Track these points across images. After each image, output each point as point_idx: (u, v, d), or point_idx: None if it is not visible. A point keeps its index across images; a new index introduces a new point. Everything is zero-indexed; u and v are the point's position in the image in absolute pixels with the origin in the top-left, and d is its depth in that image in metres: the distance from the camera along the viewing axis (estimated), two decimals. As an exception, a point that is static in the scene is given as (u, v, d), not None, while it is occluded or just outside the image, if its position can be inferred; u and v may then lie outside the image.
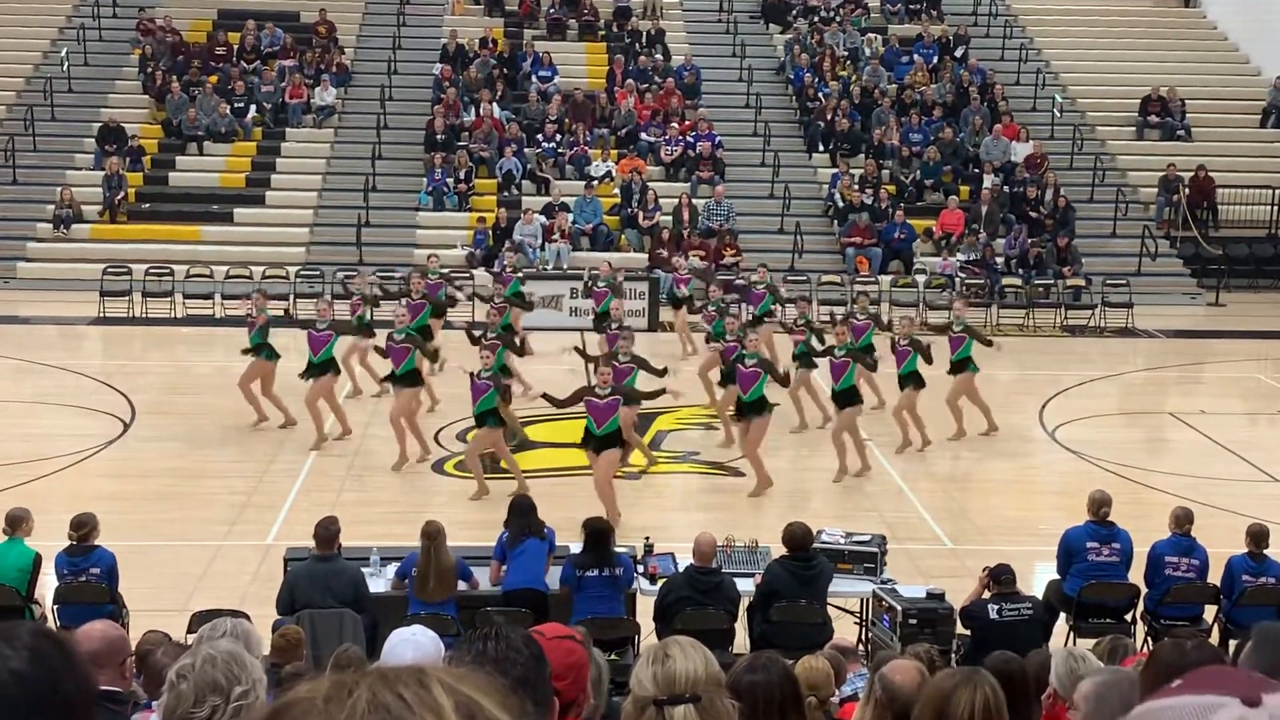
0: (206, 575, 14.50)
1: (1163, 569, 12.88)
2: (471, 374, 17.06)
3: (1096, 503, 13.16)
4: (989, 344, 20.42)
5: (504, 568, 12.44)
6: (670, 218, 30.65)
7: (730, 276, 28.66)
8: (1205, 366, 26.69)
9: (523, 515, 12.57)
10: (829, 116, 33.86)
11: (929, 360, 18.95)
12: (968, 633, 11.70)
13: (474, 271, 28.19)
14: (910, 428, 19.34)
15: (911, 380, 19.03)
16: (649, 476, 18.23)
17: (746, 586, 12.24)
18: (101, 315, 27.02)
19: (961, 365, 19.81)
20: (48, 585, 12.46)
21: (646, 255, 29.80)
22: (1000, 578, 11.73)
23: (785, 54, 36.72)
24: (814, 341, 19.92)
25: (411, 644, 4.70)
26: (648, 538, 13.39)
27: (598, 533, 12.37)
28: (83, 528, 12.21)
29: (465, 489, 17.42)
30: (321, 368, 19.11)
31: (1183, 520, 13.07)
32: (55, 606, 12.07)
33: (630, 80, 34.65)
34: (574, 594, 12.09)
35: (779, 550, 12.32)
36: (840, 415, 18.26)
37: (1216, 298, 30.98)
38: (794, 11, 38.16)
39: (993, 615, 11.45)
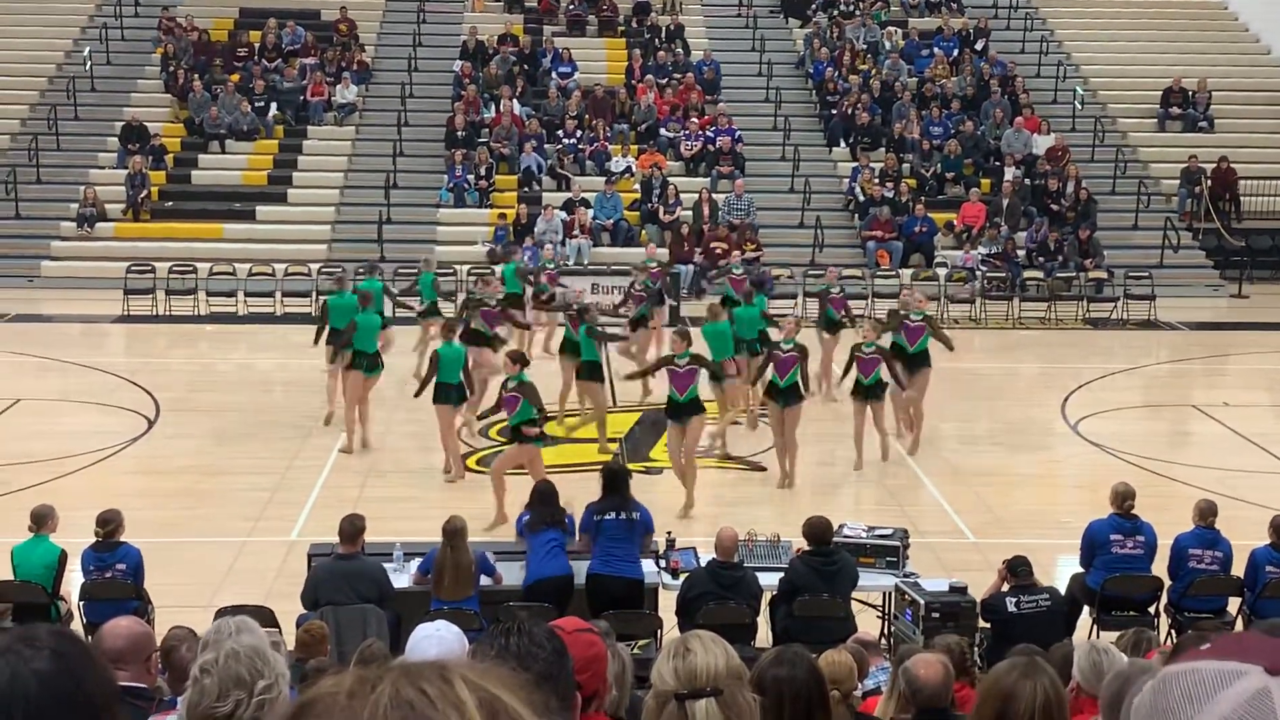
0: (231, 571, 14.57)
1: (1186, 561, 12.85)
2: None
3: (1120, 495, 13.11)
4: (950, 346, 19.40)
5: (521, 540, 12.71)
6: (691, 212, 30.67)
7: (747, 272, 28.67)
8: (1228, 359, 26.58)
9: (546, 503, 12.72)
10: (849, 110, 33.82)
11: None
12: (989, 626, 11.73)
13: (494, 268, 28.25)
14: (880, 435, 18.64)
15: (877, 391, 18.27)
16: (670, 472, 18.21)
17: (769, 581, 12.26)
18: (125, 313, 27.13)
19: (923, 358, 18.96)
20: (74, 582, 12.54)
21: (667, 250, 29.79)
22: (1017, 570, 11.74)
23: (805, 48, 36.68)
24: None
25: (435, 639, 4.71)
26: (669, 532, 13.42)
27: (613, 475, 12.88)
28: (108, 524, 12.28)
29: (489, 484, 17.40)
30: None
31: (1206, 513, 13.03)
32: (81, 603, 12.15)
33: (650, 75, 34.66)
34: (593, 539, 12.48)
35: (801, 544, 12.34)
36: (788, 412, 17.44)
37: (1239, 289, 30.89)
38: (814, 5, 38.11)
39: (1010, 608, 11.47)
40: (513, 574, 12.58)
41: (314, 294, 27.46)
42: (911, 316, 19.21)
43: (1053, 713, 4.70)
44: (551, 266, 23.66)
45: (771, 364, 17.53)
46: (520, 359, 16.19)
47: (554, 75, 35.00)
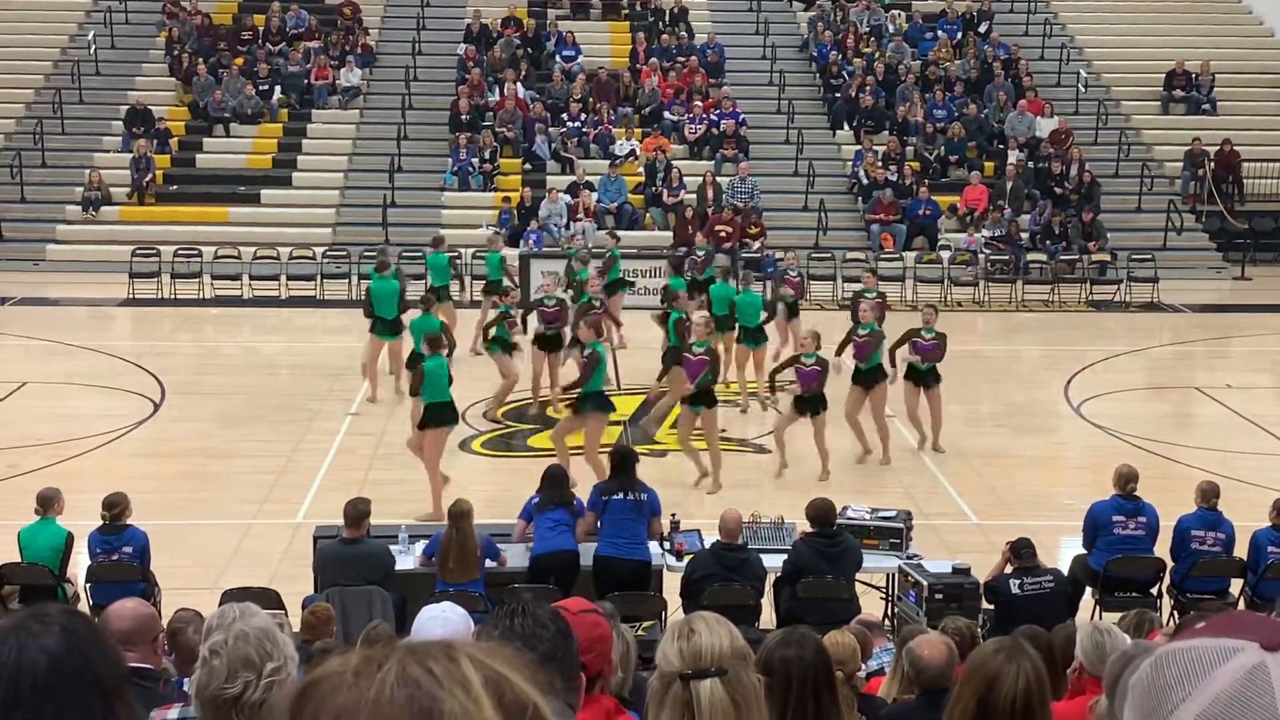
0: (237, 553, 14.63)
1: (1189, 543, 12.91)
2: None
3: (1123, 477, 13.16)
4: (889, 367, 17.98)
5: (529, 526, 12.76)
6: (695, 196, 30.68)
7: (757, 256, 28.68)
8: (1231, 340, 26.59)
9: (554, 485, 12.83)
10: (853, 93, 33.78)
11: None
12: (993, 607, 11.77)
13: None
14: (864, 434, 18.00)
15: (816, 404, 17.05)
16: (675, 454, 18.26)
17: (773, 563, 12.31)
18: (131, 296, 27.17)
19: (874, 375, 17.62)
20: (80, 564, 12.60)
21: (671, 233, 29.82)
22: (1020, 551, 11.79)
23: (809, 31, 36.64)
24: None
25: (440, 620, 4.73)
26: (674, 514, 13.49)
27: (622, 458, 13.07)
28: (115, 507, 12.35)
29: (494, 467, 17.51)
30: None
31: (1209, 494, 13.09)
32: (88, 585, 12.22)
33: (654, 59, 34.63)
34: (600, 517, 12.65)
35: (804, 526, 12.38)
36: (705, 415, 16.88)
37: (1242, 271, 30.88)
38: (817, -12, 38.08)
39: (1014, 590, 11.51)
40: (517, 557, 12.64)
41: (319, 277, 27.55)
42: (859, 331, 17.86)
43: (1034, 696, 4.72)
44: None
45: (684, 368, 16.84)
46: (436, 342, 16.07)
47: (558, 59, 34.97)
